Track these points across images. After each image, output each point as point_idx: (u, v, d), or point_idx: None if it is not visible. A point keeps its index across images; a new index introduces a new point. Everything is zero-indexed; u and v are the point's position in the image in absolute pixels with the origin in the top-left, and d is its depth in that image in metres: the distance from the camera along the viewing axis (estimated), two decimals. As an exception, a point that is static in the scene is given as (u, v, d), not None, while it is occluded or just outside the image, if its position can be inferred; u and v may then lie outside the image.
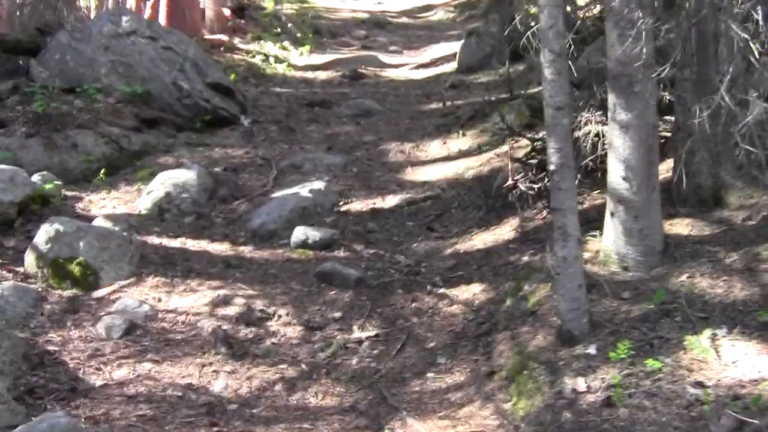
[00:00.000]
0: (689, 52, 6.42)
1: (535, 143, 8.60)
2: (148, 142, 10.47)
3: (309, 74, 16.13)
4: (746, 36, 5.75)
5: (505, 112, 10.39)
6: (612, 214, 6.03)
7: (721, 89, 5.86)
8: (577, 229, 5.27)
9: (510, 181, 7.62)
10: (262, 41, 18.19)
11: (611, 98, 5.94)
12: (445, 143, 10.56)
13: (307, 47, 18.38)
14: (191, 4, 17.21)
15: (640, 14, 5.66)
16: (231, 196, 8.96)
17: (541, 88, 12.02)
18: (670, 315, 5.35)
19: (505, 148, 9.43)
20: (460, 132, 10.67)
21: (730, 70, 6.10)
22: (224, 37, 17.96)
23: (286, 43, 18.30)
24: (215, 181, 9.18)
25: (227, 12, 19.35)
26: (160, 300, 6.73)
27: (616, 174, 5.94)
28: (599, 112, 8.37)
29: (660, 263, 6.01)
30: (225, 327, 6.28)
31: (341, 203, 8.77)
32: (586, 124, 8.51)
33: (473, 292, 6.66)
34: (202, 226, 8.27)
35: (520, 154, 8.54)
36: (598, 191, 7.67)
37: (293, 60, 17.47)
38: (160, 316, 6.48)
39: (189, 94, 11.55)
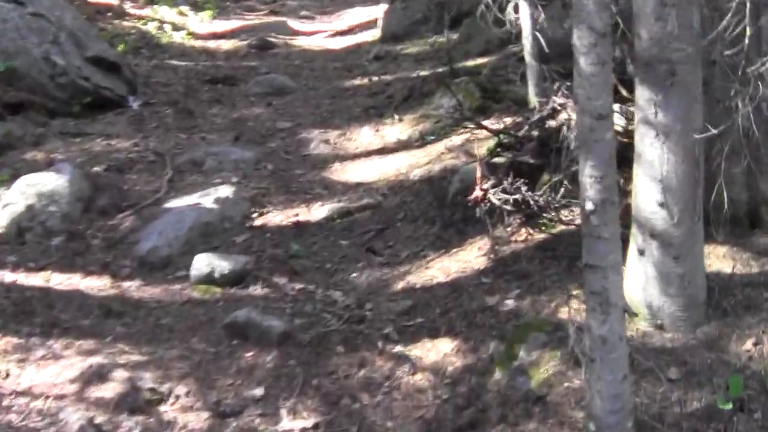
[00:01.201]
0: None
1: (501, 136, 6.86)
2: (11, 133, 8.43)
3: (211, 44, 14.10)
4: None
5: (448, 93, 8.63)
6: (641, 253, 4.32)
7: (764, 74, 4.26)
8: (622, 296, 3.55)
9: (477, 191, 5.83)
10: (156, 5, 16.04)
11: (642, 94, 4.19)
12: (377, 130, 8.73)
13: (209, 12, 16.29)
14: (73, -37, 14.90)
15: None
16: (114, 207, 7.02)
17: (484, 61, 10.41)
18: (746, 408, 3.69)
19: (456, 139, 7.69)
20: (395, 116, 8.86)
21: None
22: (113, 0, 15.76)
23: (184, 8, 16.16)
24: (94, 187, 7.22)
25: (116, -27, 17.07)
26: (7, 374, 4.81)
27: (648, 198, 4.22)
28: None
29: (706, 319, 4.34)
30: (99, 419, 4.40)
31: (255, 215, 6.90)
32: (560, 111, 6.85)
33: (442, 351, 4.87)
34: (74, 252, 6.33)
35: (482, 150, 6.78)
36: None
37: (193, 27, 15.39)
38: (5, 402, 4.56)
39: (64, 71, 9.49)
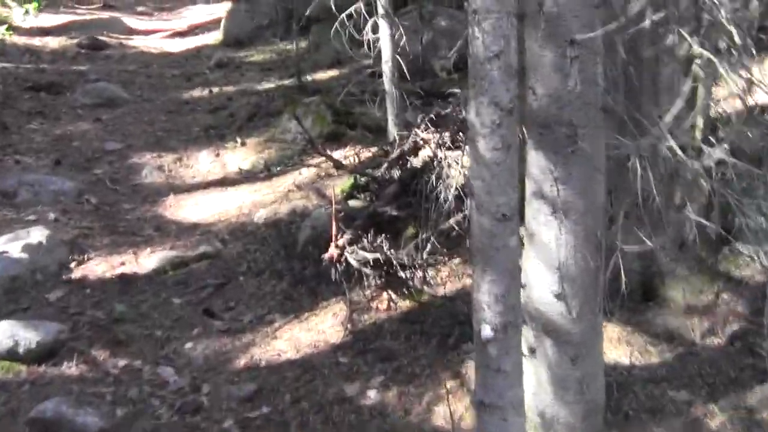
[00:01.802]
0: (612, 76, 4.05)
1: (358, 175, 6.14)
2: None
3: (36, 41, 12.88)
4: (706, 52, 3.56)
5: (299, 113, 7.86)
6: (532, 351, 3.66)
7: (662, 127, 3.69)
8: (526, 441, 2.88)
9: (332, 249, 5.08)
10: (-25, -4, 14.64)
11: (535, 161, 3.52)
12: (218, 155, 7.87)
13: (36, 5, 14.94)
14: None
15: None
16: None
17: (335, 73, 9.65)
18: None
19: (306, 173, 6.92)
20: (238, 140, 8.01)
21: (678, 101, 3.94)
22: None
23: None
24: None
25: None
26: None
27: (542, 287, 3.57)
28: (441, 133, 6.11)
29: (606, 427, 3.73)
30: None
31: (73, 263, 5.94)
32: (422, 147, 6.19)
33: (291, 456, 4.11)
34: None
35: (336, 190, 6.05)
36: (459, 260, 5.34)
37: (16, 20, 14.09)
38: None
39: None
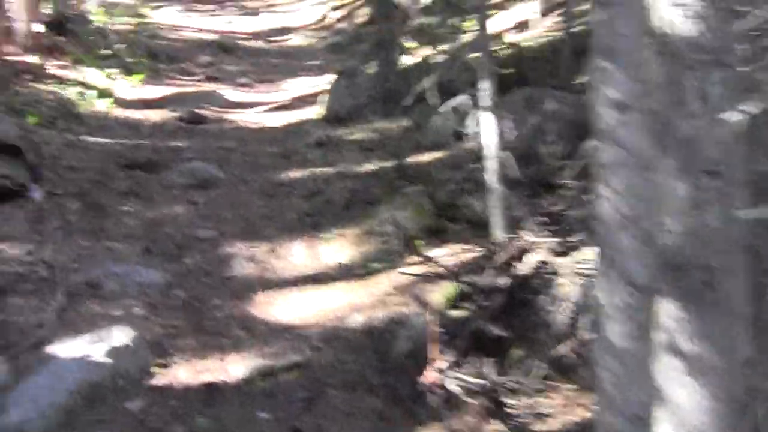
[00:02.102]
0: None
1: (462, 283, 5.72)
2: None
3: (138, 114, 12.83)
4: None
5: (396, 204, 7.49)
6: None
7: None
8: None
9: (431, 372, 4.65)
10: (83, 66, 14.75)
11: (666, 310, 3.02)
12: (313, 247, 7.53)
13: (140, 76, 15.04)
14: (-10, 17, 13.56)
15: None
16: (-16, 350, 5.71)
17: (438, 155, 9.27)
18: None
19: (405, 273, 6.50)
20: (334, 230, 7.67)
21: None
22: (33, 60, 14.44)
23: (113, 71, 14.91)
24: (-39, 319, 5.92)
25: (42, 27, 15.71)
26: None
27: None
28: (553, 236, 5.69)
29: None
30: None
31: (157, 367, 5.61)
32: (530, 250, 5.78)
33: None
34: None
35: (436, 296, 5.63)
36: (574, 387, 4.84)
37: (120, 92, 14.15)
38: None
39: (-48, 156, 8.18)
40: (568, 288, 5.26)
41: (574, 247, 5.97)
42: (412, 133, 10.57)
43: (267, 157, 10.63)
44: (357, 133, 11.35)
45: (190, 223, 8.13)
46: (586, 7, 13.06)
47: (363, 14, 20.58)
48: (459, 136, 10.31)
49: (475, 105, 6.34)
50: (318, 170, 9.80)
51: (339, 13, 22.05)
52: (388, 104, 11.60)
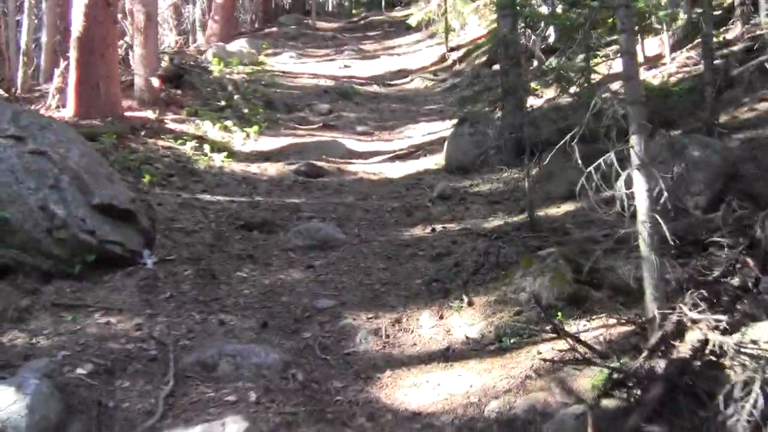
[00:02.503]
0: None
1: (612, 368, 4.99)
2: (-11, 307, 6.80)
3: (254, 168, 12.49)
4: None
5: (532, 269, 6.80)
6: None
7: None
8: None
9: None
10: (199, 120, 14.54)
11: None
12: (441, 317, 6.88)
13: (256, 128, 14.74)
14: (108, 72, 13.43)
15: None
16: (86, 445, 5.23)
17: (570, 208, 8.53)
18: None
19: (544, 350, 5.80)
20: (464, 298, 7.00)
21: None
22: (151, 114, 14.29)
23: (229, 123, 14.65)
24: (66, 409, 5.44)
25: (157, 81, 15.61)
26: None
27: None
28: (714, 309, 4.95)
29: None
30: None
31: (272, 467, 5.03)
32: (690, 328, 5.03)
33: None
34: None
35: (583, 382, 4.92)
36: None
37: (236, 145, 13.88)
38: None
39: (64, 223, 7.77)
40: (741, 376, 4.49)
41: (742, 323, 5.20)
42: (543, 183, 9.87)
43: (389, 212, 10.07)
44: (482, 185, 10.71)
45: (309, 291, 7.58)
46: (726, 36, 12.19)
47: (482, 54, 20.00)
48: (596, 188, 9.59)
49: (619, 158, 5.59)
50: (443, 226, 9.18)
51: (456, 54, 21.51)
52: (514, 152, 10.94)
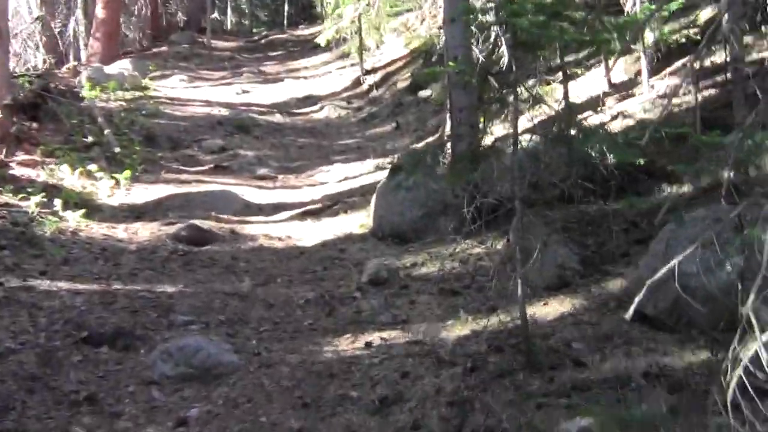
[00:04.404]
0: None
1: None
2: None
3: (120, 231, 9.40)
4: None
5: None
6: None
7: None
8: None
9: None
10: (56, 164, 11.36)
11: None
12: None
13: (128, 173, 11.57)
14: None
15: None
16: None
17: (564, 306, 5.63)
18: None
19: None
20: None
21: None
22: (-8, 155, 11.09)
23: (94, 167, 11.47)
24: None
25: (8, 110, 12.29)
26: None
27: None
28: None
29: None
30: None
31: None
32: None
33: None
34: None
35: None
36: None
37: (102, 196, 10.79)
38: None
39: None
40: None
41: None
42: (518, 264, 7.00)
43: (300, 308, 7.10)
44: (429, 262, 7.82)
45: (175, 483, 4.56)
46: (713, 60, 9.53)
47: (404, 77, 17.17)
48: (596, 269, 6.84)
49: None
50: (382, 337, 6.27)
51: (373, 78, 18.63)
52: (474, 213, 8.01)
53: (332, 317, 6.83)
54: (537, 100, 6.30)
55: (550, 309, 6.39)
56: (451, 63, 8.05)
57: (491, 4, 8.51)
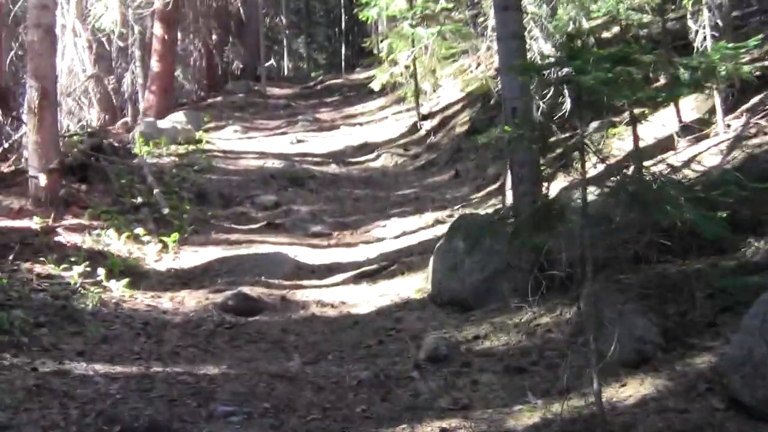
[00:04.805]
0: None
1: None
2: None
3: (165, 301, 8.94)
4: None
5: None
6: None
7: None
8: None
9: None
10: (102, 228, 10.95)
11: None
12: None
13: (175, 236, 11.11)
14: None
15: None
16: None
17: (650, 387, 4.91)
18: None
19: None
20: None
21: None
22: (34, 224, 10.70)
23: (141, 230, 11.04)
24: None
25: (44, 178, 11.94)
26: None
27: None
28: None
29: None
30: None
31: None
32: None
33: None
34: None
35: None
36: None
37: (149, 261, 10.37)
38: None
39: None
40: None
41: None
42: (588, 335, 6.33)
43: (352, 392, 6.48)
44: (493, 335, 7.17)
45: None
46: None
47: (462, 122, 16.59)
48: (679, 342, 6.13)
49: None
50: (442, 427, 5.63)
51: (430, 123, 18.07)
52: (535, 280, 7.37)
53: (387, 402, 6.21)
54: (603, 159, 5.68)
55: (629, 391, 5.71)
56: (507, 128, 7.44)
57: (551, 59, 7.89)
